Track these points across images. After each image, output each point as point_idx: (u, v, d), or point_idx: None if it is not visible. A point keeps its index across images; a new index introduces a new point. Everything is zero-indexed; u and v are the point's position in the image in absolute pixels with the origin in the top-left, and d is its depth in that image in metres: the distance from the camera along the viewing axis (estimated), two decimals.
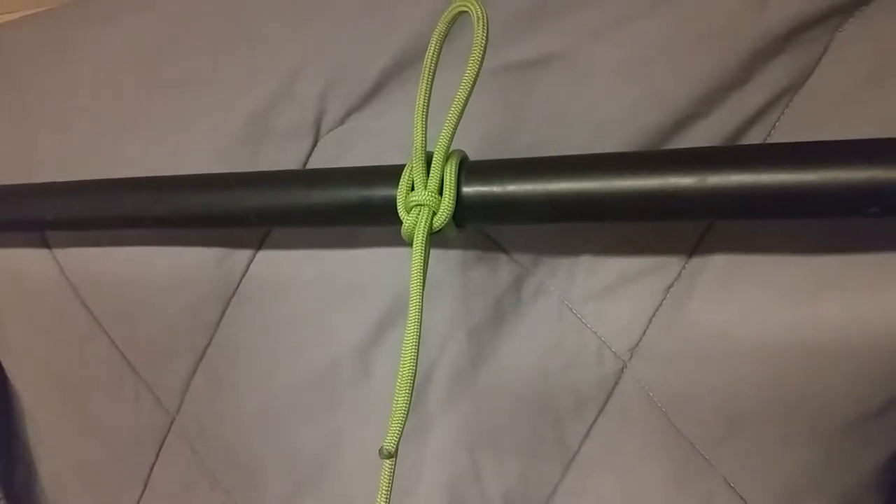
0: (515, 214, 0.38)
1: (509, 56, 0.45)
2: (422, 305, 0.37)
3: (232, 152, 0.52)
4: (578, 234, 0.44)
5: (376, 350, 0.49)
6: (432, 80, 0.36)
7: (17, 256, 0.62)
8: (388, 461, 0.36)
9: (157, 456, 0.59)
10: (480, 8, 0.34)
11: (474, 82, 0.35)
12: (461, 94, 0.36)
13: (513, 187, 0.37)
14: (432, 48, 0.36)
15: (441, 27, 0.35)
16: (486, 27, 0.34)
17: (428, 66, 0.36)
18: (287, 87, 0.50)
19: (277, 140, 0.51)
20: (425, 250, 0.37)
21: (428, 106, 0.37)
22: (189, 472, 0.57)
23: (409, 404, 0.36)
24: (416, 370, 0.36)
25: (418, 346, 0.36)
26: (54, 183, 0.52)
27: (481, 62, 0.35)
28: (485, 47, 0.35)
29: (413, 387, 0.36)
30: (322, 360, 0.50)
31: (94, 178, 0.52)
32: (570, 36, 0.43)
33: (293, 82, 0.50)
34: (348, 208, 0.41)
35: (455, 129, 0.37)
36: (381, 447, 0.35)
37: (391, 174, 0.39)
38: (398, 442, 0.35)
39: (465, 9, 0.34)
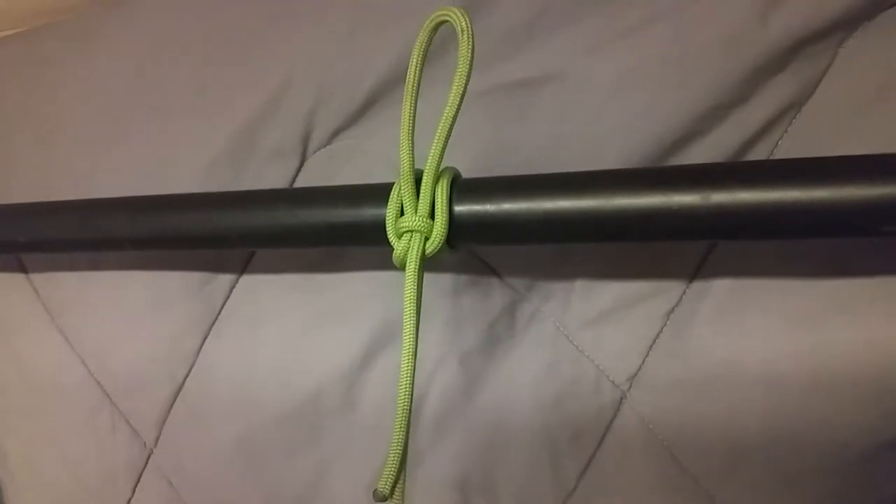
0: (510, 235, 0.36)
1: (504, 72, 0.44)
2: (416, 337, 0.35)
3: (216, 171, 0.50)
4: (574, 256, 0.43)
5: (363, 379, 0.47)
6: (417, 94, 0.35)
7: None
8: None
9: (134, 491, 0.56)
10: (463, 18, 0.33)
11: (462, 96, 0.34)
12: (450, 110, 0.34)
13: (507, 206, 0.35)
14: (414, 62, 0.34)
15: (422, 38, 0.34)
16: (470, 38, 0.33)
17: (411, 80, 0.35)
18: (273, 105, 0.49)
19: (263, 159, 0.50)
20: (418, 277, 0.36)
21: (414, 123, 0.35)
22: None
23: (406, 444, 0.34)
24: (411, 407, 0.35)
25: (413, 379, 0.35)
26: (28, 203, 0.51)
27: (468, 75, 0.34)
28: (471, 59, 0.33)
29: (409, 426, 0.35)
30: (306, 390, 0.49)
31: (75, 197, 0.51)
32: (566, 51, 0.42)
33: (280, 100, 0.49)
34: (335, 228, 0.40)
35: (444, 146, 0.35)
36: (376, 489, 0.33)
37: (379, 192, 0.38)
38: (394, 484, 0.33)
39: (447, 19, 0.33)
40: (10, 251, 0.56)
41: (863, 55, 0.38)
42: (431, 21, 0.34)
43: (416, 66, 0.34)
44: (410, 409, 0.35)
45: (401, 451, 0.34)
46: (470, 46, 0.33)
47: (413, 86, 0.35)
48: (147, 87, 0.55)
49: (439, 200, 0.36)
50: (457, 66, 0.33)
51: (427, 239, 0.36)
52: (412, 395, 0.35)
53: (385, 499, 0.33)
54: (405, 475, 0.35)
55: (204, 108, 0.52)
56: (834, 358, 0.37)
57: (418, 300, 0.36)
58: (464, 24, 0.33)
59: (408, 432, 0.35)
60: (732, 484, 0.40)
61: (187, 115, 0.53)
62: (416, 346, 0.35)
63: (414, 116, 0.35)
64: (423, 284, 0.44)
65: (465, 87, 0.34)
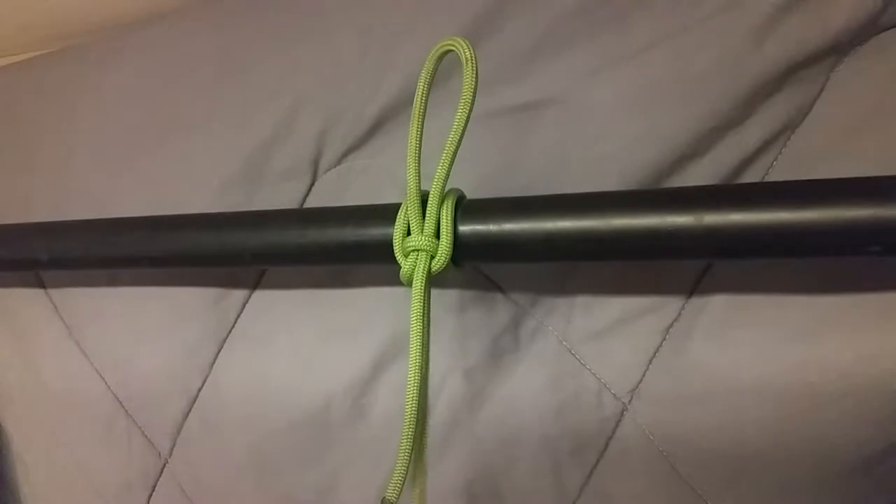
0: (513, 253, 0.38)
1: (508, 95, 0.45)
2: (426, 351, 0.36)
3: (230, 191, 0.52)
4: (576, 273, 0.44)
5: (372, 391, 0.49)
6: (423, 121, 0.36)
7: (11, 296, 0.62)
8: None
9: (149, 500, 0.58)
10: (468, 48, 0.34)
11: (466, 123, 0.35)
12: (454, 136, 0.36)
13: (510, 226, 0.37)
14: (421, 89, 0.36)
15: (429, 66, 0.35)
16: (475, 67, 0.34)
17: (418, 107, 0.36)
18: (285, 127, 0.51)
19: (275, 179, 0.51)
20: (425, 294, 0.37)
21: (420, 147, 0.37)
22: None
23: (413, 453, 0.35)
24: (418, 417, 0.36)
25: (422, 390, 0.36)
26: (50, 223, 0.53)
27: (472, 102, 0.35)
28: (475, 87, 0.35)
29: (415, 434, 0.36)
30: (316, 402, 0.50)
31: (91, 217, 0.52)
32: (568, 75, 0.44)
33: (291, 122, 0.50)
34: (344, 247, 0.41)
35: (449, 170, 0.37)
36: (384, 497, 0.34)
37: (387, 212, 0.39)
38: (401, 492, 0.34)
39: (452, 48, 0.34)
40: (31, 268, 0.58)
41: (855, 79, 0.39)
42: (437, 50, 0.35)
43: (423, 94, 0.36)
44: (419, 421, 0.36)
45: (407, 461, 0.35)
46: (474, 75, 0.34)
47: (419, 113, 0.36)
48: (162, 110, 0.56)
49: (444, 221, 0.37)
50: (461, 94, 0.35)
51: (433, 258, 0.38)
52: (420, 407, 0.36)
53: None
54: (424, 484, 0.36)
55: (217, 131, 0.53)
56: (826, 371, 0.38)
57: (426, 316, 0.37)
58: (468, 53, 0.34)
59: (418, 443, 0.36)
60: (730, 493, 0.41)
61: (201, 138, 0.54)
62: (426, 361, 0.36)
63: (420, 142, 0.36)
64: (431, 299, 0.46)
65: (469, 114, 0.35)
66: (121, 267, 0.52)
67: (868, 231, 0.30)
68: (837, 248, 0.31)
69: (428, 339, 0.37)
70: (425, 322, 0.37)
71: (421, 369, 0.36)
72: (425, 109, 0.36)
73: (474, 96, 0.35)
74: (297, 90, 0.51)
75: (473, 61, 0.34)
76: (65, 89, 0.63)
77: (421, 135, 0.36)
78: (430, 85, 0.36)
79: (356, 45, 0.49)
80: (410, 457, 0.35)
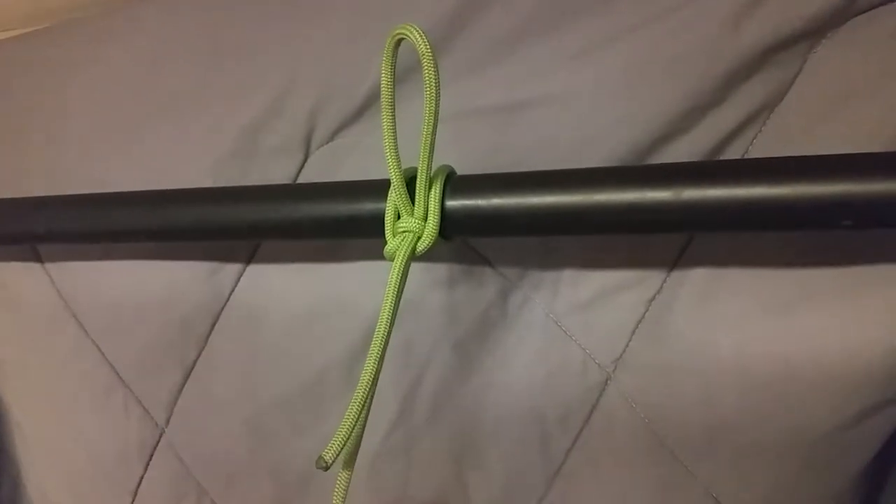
0: (500, 227, 0.39)
1: (494, 78, 0.46)
2: (392, 321, 0.38)
3: (224, 168, 0.53)
4: (562, 247, 0.45)
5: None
6: (394, 109, 0.36)
7: (8, 270, 0.63)
8: (343, 474, 0.36)
9: (146, 468, 0.59)
10: (423, 41, 0.33)
11: (437, 113, 0.36)
12: (427, 128, 0.36)
13: (497, 201, 0.38)
14: (385, 78, 0.35)
15: (387, 55, 0.35)
16: (431, 62, 0.34)
17: (386, 96, 0.36)
18: (278, 104, 0.51)
19: (268, 156, 0.52)
20: (404, 270, 0.38)
21: (395, 136, 0.37)
22: (177, 484, 0.58)
23: (360, 419, 0.36)
24: (374, 385, 0.37)
25: (382, 358, 0.37)
26: (46, 196, 0.53)
27: (437, 95, 0.35)
28: (437, 81, 0.35)
29: (369, 405, 0.37)
30: (309, 373, 0.51)
31: (86, 192, 0.53)
32: (553, 58, 0.44)
33: (284, 99, 0.51)
34: (336, 222, 0.42)
35: (430, 158, 0.37)
36: (319, 457, 0.33)
37: (377, 189, 0.40)
38: (338, 454, 0.34)
39: (404, 35, 0.34)
40: (28, 241, 0.59)
41: (831, 61, 0.40)
42: (392, 38, 0.34)
43: (388, 82, 0.35)
44: (374, 388, 0.37)
45: (352, 426, 0.35)
46: (433, 69, 0.34)
47: (389, 102, 0.36)
48: (155, 88, 0.57)
49: (431, 204, 0.38)
50: (424, 88, 0.35)
51: (419, 237, 0.39)
52: (377, 376, 0.37)
53: (327, 468, 0.33)
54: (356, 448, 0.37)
55: (211, 108, 0.54)
56: (801, 342, 0.40)
57: (400, 290, 0.38)
58: (423, 48, 0.33)
59: (367, 409, 0.36)
60: (708, 458, 0.43)
61: (195, 115, 0.54)
62: (390, 331, 0.37)
63: (395, 130, 0.37)
64: (421, 273, 0.47)
65: (437, 106, 0.35)
66: (117, 240, 0.53)
67: (840, 205, 0.31)
68: (811, 222, 0.32)
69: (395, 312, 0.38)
70: (399, 296, 0.38)
71: (385, 340, 0.37)
72: (394, 97, 0.36)
73: (438, 90, 0.35)
74: (289, 68, 0.51)
75: (430, 56, 0.34)
76: (57, 67, 0.63)
77: (394, 124, 0.37)
78: (394, 73, 0.36)
79: (348, 23, 0.50)
80: (356, 422, 0.36)
